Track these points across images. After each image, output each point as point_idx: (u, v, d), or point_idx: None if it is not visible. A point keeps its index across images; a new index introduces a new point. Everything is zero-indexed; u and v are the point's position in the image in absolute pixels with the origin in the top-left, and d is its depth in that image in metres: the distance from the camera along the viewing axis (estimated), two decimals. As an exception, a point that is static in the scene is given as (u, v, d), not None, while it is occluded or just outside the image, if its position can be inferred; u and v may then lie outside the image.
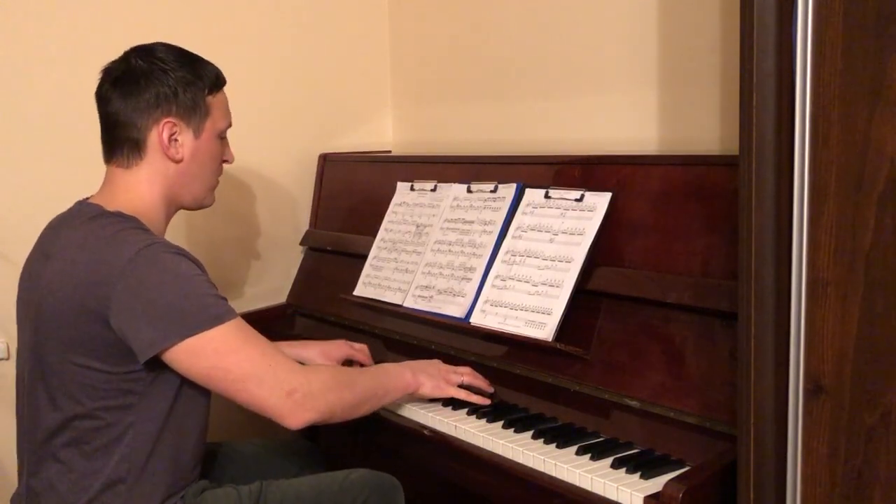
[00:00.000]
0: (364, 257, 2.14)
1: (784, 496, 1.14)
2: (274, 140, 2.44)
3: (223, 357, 1.41)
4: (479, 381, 1.72)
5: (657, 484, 1.30)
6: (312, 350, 1.87)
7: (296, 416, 1.44)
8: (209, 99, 1.59)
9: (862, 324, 1.06)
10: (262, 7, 2.39)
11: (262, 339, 1.48)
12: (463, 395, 1.68)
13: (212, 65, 1.62)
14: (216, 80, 1.62)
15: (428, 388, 1.66)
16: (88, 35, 2.09)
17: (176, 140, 1.56)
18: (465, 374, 1.72)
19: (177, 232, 2.26)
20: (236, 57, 2.30)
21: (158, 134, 1.54)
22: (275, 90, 2.43)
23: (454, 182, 2.01)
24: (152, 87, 1.53)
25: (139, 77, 1.53)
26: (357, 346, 1.93)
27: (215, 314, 1.41)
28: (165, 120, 1.54)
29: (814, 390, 1.09)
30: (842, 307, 1.07)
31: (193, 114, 1.57)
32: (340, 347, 1.90)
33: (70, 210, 1.57)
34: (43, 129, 2.07)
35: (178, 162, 1.57)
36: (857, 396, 1.07)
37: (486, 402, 1.67)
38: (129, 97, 1.53)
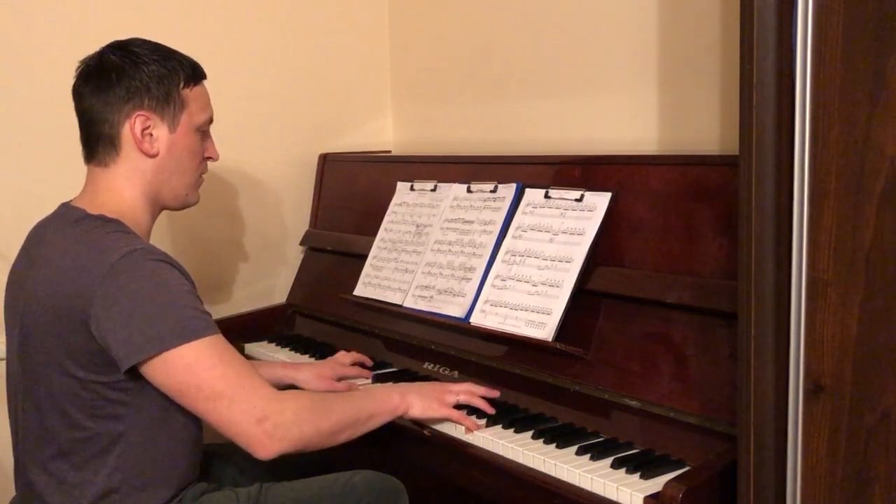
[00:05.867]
0: (364, 257, 2.14)
1: (784, 496, 1.14)
2: (274, 140, 2.44)
3: (196, 373, 1.35)
4: (477, 401, 1.64)
5: (657, 484, 1.30)
6: (306, 372, 1.84)
7: (265, 446, 1.36)
8: (185, 92, 1.55)
9: (862, 324, 1.06)
10: (262, 7, 2.38)
11: (241, 359, 1.42)
12: (456, 415, 1.59)
13: (188, 58, 1.58)
14: (193, 73, 1.57)
15: (417, 409, 1.58)
16: (87, 29, 2.07)
17: (150, 134, 1.51)
18: (462, 393, 1.64)
19: (176, 233, 2.26)
20: (236, 57, 2.31)
21: (131, 128, 1.50)
22: (275, 90, 2.43)
23: (454, 182, 2.00)
24: (124, 82, 1.49)
25: (111, 71, 1.50)
26: (349, 358, 1.91)
27: (192, 328, 1.36)
28: (137, 113, 1.50)
29: (814, 390, 1.09)
30: (842, 307, 1.07)
31: (167, 107, 1.52)
32: (333, 368, 1.87)
33: (54, 213, 1.54)
34: (42, 128, 2.06)
35: (153, 157, 1.52)
36: (857, 396, 1.07)
37: (480, 425, 1.58)
38: (100, 92, 1.50)
